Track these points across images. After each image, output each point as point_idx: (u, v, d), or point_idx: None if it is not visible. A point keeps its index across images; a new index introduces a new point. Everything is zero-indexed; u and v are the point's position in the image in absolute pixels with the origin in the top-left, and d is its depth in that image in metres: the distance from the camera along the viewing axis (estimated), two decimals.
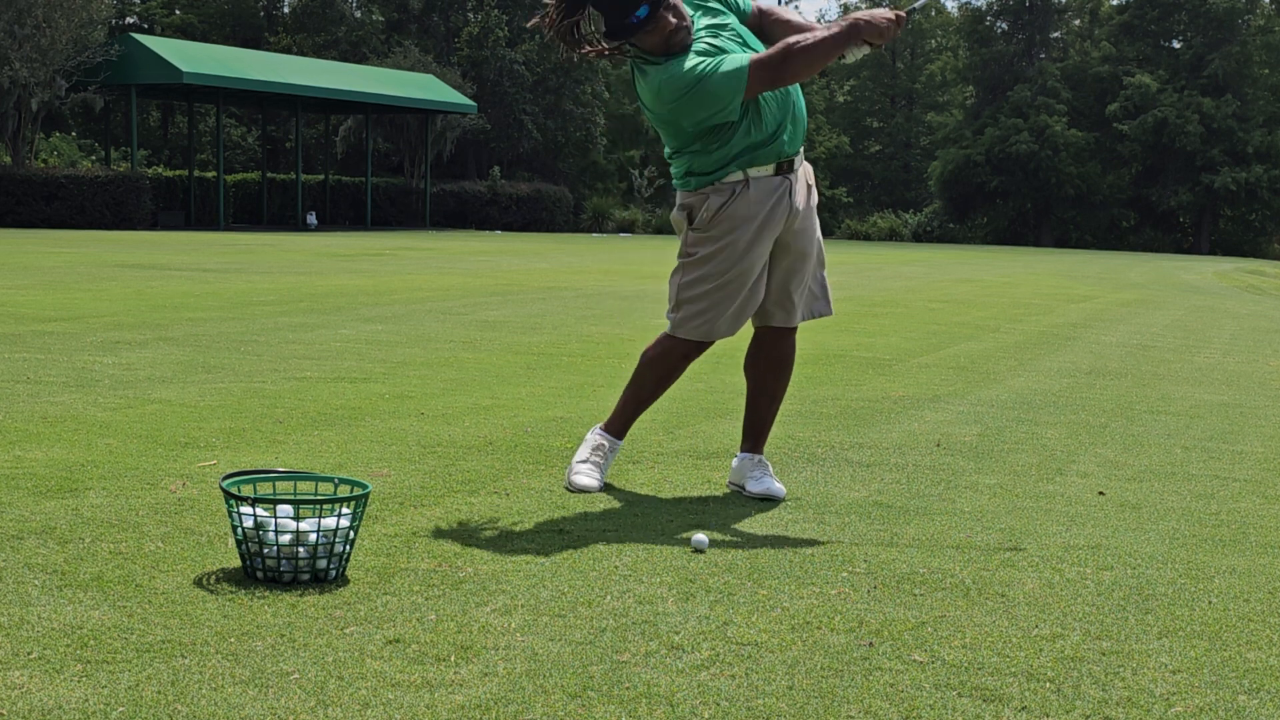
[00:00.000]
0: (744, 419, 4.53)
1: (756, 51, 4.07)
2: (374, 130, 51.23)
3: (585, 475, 4.36)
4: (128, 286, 12.93)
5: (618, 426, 4.48)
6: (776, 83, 3.99)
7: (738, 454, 4.51)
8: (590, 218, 54.27)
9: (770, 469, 4.45)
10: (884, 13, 3.94)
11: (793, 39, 3.98)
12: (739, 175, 4.13)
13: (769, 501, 4.30)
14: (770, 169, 4.16)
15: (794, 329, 4.45)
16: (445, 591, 3.15)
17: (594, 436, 4.46)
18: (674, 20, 3.98)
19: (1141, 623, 3.12)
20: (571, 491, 4.31)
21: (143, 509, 3.83)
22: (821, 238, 4.44)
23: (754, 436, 4.48)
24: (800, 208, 4.27)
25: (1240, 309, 16.80)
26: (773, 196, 4.17)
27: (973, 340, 10.39)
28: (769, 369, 4.47)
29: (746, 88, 3.95)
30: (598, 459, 4.41)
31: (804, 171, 4.34)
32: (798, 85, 4.20)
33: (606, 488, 4.40)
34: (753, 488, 4.35)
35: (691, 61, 3.97)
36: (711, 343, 4.32)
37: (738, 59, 3.96)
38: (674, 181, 4.29)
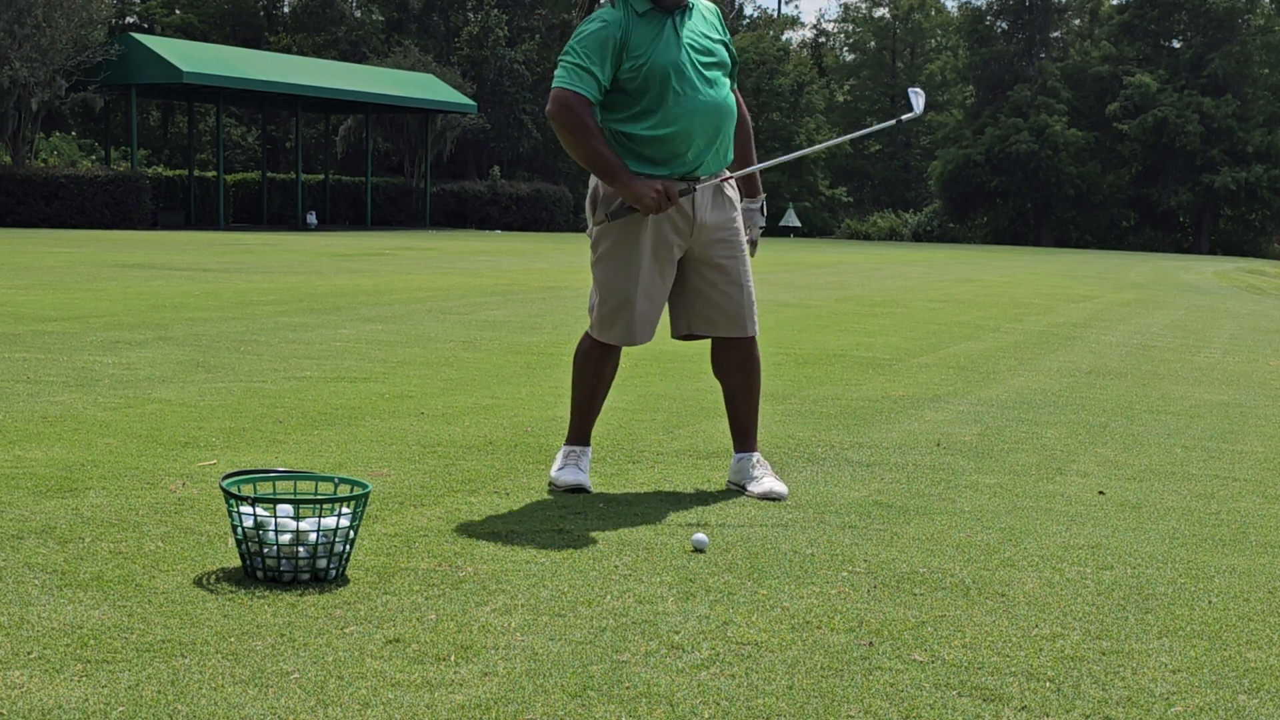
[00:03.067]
0: (729, 422, 4.54)
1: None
2: (374, 130, 51.24)
3: (569, 473, 4.35)
4: (128, 286, 12.93)
5: (575, 434, 4.45)
6: (558, 130, 4.15)
7: (734, 454, 4.52)
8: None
9: (770, 468, 4.46)
10: (664, 192, 4.11)
11: (595, 131, 4.11)
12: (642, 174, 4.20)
13: (769, 500, 4.30)
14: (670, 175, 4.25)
15: (746, 337, 4.42)
16: (445, 591, 3.15)
17: (562, 449, 4.47)
18: None
19: (1141, 622, 3.12)
20: (563, 490, 4.32)
21: (143, 508, 3.83)
22: (746, 257, 4.43)
23: (743, 436, 4.48)
24: (709, 221, 4.29)
25: (1240, 309, 16.80)
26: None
27: (973, 340, 10.39)
28: (736, 371, 4.46)
29: (551, 100, 4.14)
30: (572, 462, 4.40)
31: (722, 185, 4.35)
32: (732, 111, 4.30)
33: (607, 487, 4.40)
34: (754, 489, 4.36)
35: (594, 28, 4.10)
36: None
37: (571, 78, 4.07)
38: None
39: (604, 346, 4.39)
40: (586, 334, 4.42)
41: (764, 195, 4.55)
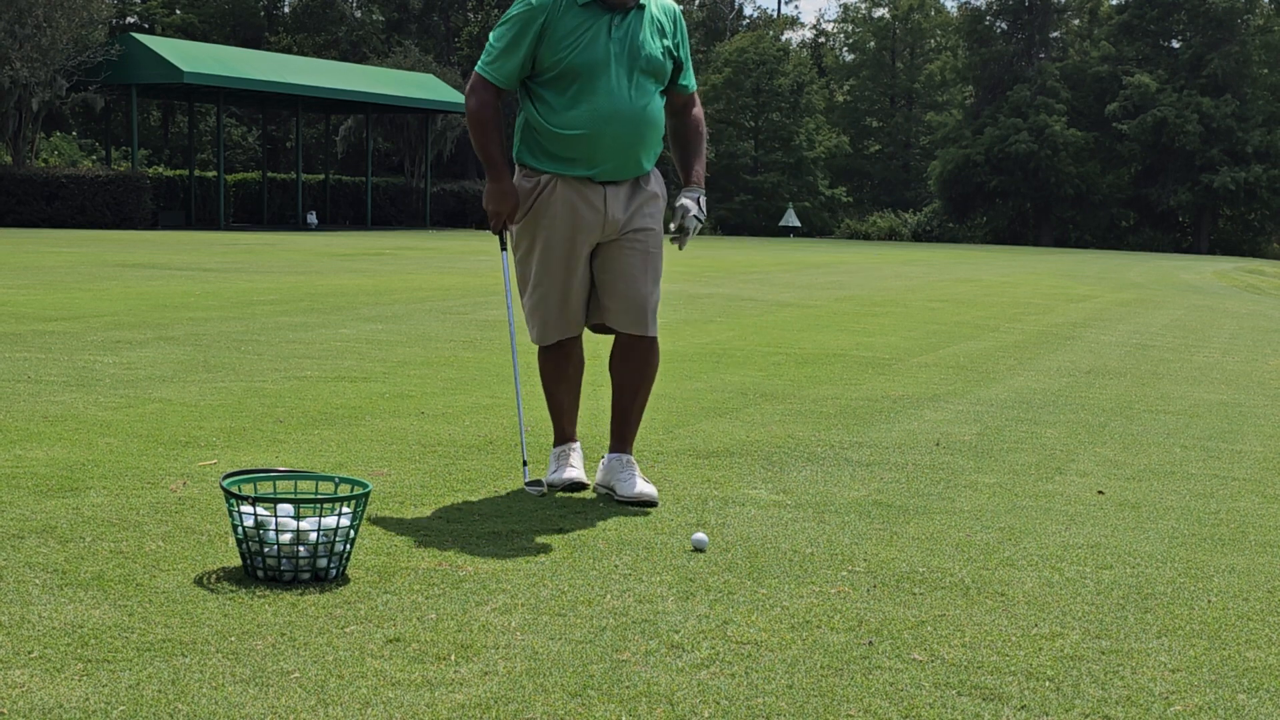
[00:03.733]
0: (612, 418, 4.40)
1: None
2: (374, 130, 51.22)
3: (563, 472, 4.34)
4: (128, 286, 12.94)
5: (557, 435, 4.45)
6: (468, 112, 4.25)
7: (606, 454, 4.39)
8: None
9: (637, 469, 4.30)
10: (501, 213, 4.27)
11: (494, 124, 4.20)
12: (549, 171, 4.18)
13: (642, 505, 4.15)
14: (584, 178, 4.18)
15: (647, 337, 4.32)
16: (445, 590, 3.16)
17: (551, 453, 4.48)
18: None
19: (1141, 621, 3.13)
20: (563, 488, 4.31)
21: (143, 508, 3.83)
22: (659, 257, 4.31)
23: (619, 436, 4.37)
24: (620, 216, 4.20)
25: (1239, 308, 16.80)
26: (582, 198, 4.17)
27: (972, 340, 10.39)
28: (631, 371, 4.36)
29: (470, 78, 4.23)
30: (563, 462, 4.39)
31: (640, 184, 4.26)
32: (658, 119, 4.21)
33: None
34: (623, 490, 4.20)
35: (518, 10, 4.09)
36: (568, 339, 4.32)
37: (488, 61, 4.14)
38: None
39: (553, 347, 4.35)
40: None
41: (703, 189, 4.39)
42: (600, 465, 4.40)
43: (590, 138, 4.10)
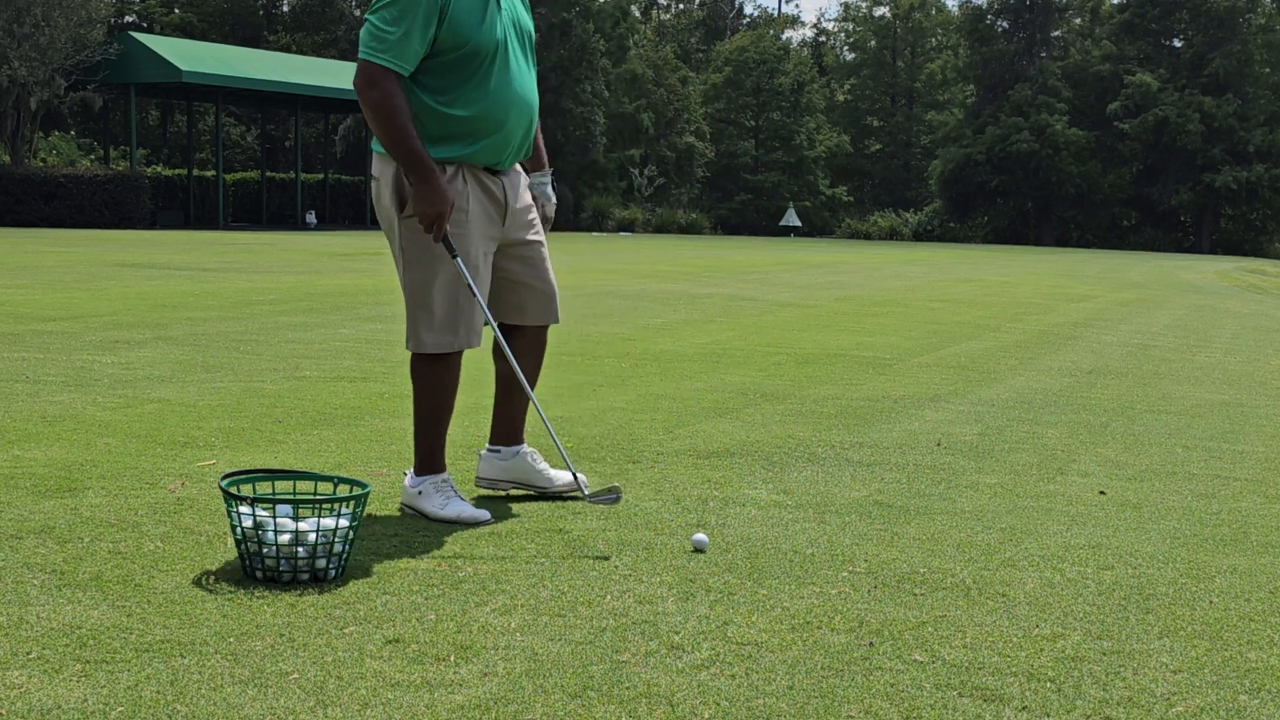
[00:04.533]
0: (505, 411, 4.18)
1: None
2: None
3: (470, 508, 3.90)
4: (127, 286, 12.93)
5: (437, 460, 3.96)
6: (364, 108, 3.75)
7: (488, 448, 4.21)
8: (590, 216, 54.28)
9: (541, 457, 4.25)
10: (443, 214, 3.72)
11: (409, 115, 3.72)
12: (453, 160, 3.84)
13: (575, 492, 4.10)
14: (482, 167, 3.91)
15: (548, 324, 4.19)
16: (445, 591, 3.15)
17: (430, 482, 3.92)
18: None
19: (1142, 622, 3.12)
20: (479, 524, 3.86)
21: (142, 508, 3.82)
22: (545, 243, 4.14)
23: (517, 428, 4.21)
24: (517, 206, 4.00)
25: (1241, 308, 16.80)
26: (486, 190, 3.91)
27: (973, 340, 10.39)
28: (532, 360, 4.18)
29: (359, 72, 3.74)
30: (456, 495, 3.95)
31: (518, 169, 4.08)
32: (534, 99, 3.96)
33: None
34: (557, 484, 4.14)
35: None
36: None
37: (382, 48, 3.67)
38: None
39: (447, 358, 3.92)
40: (420, 357, 3.91)
41: (551, 169, 4.23)
42: (494, 459, 4.19)
43: (498, 122, 3.82)
